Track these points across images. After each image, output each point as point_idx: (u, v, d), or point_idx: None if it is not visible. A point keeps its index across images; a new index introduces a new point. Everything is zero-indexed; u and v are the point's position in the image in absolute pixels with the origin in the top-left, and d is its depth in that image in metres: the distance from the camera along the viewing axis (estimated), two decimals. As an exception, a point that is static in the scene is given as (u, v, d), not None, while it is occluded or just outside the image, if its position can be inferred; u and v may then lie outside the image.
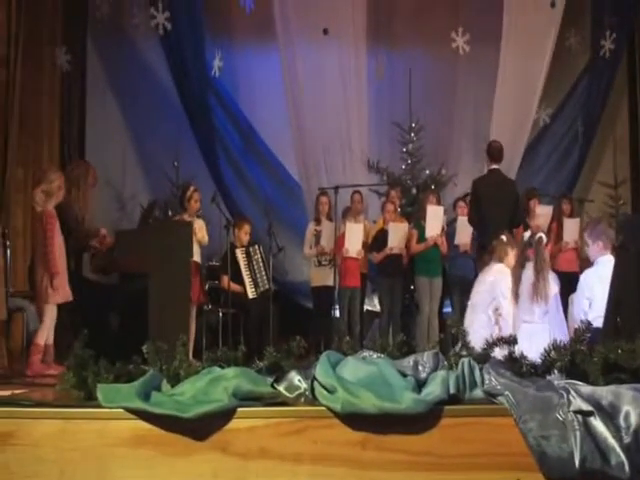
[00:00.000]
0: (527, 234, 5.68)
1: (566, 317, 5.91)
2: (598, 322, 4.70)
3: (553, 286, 5.43)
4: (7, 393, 3.57)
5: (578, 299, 5.59)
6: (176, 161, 9.08)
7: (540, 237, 5.44)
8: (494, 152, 7.29)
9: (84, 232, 6.43)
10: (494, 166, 7.27)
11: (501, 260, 5.89)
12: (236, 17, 9.86)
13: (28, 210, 7.08)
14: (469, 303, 6.04)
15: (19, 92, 7.23)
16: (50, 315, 5.81)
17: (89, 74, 9.56)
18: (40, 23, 8.34)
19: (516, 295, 5.44)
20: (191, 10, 8.99)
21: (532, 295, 5.37)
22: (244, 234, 7.99)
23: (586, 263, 7.27)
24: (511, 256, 5.89)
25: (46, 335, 5.78)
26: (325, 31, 9.16)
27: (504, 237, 5.93)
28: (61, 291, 5.82)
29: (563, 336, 4.83)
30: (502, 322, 5.66)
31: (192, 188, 7.51)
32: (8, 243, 6.62)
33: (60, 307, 6.00)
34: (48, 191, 5.88)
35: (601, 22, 9.76)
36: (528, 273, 5.40)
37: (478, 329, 5.42)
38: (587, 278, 5.62)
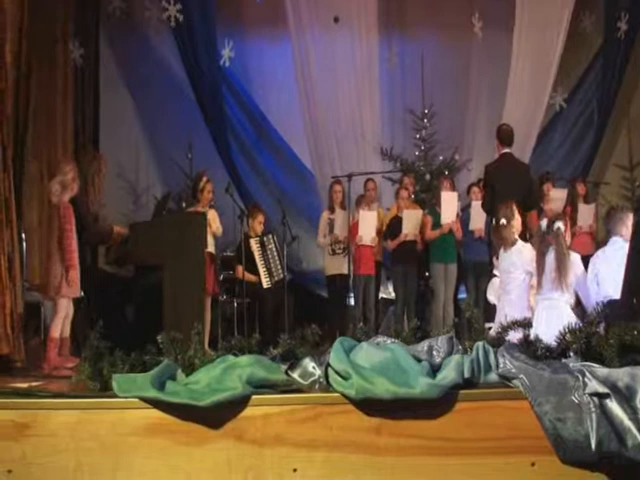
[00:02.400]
0: (544, 223, 5.55)
1: None
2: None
3: (577, 268, 5.36)
4: (25, 385, 3.59)
5: (587, 277, 5.57)
6: (189, 152, 9.08)
7: (558, 228, 5.34)
8: (504, 136, 7.18)
9: (98, 231, 6.43)
10: (506, 150, 7.17)
11: (513, 243, 5.76)
12: (247, 6, 9.85)
13: (43, 204, 7.11)
14: (503, 289, 5.91)
15: (34, 87, 7.26)
16: (64, 308, 5.83)
17: (102, 68, 9.58)
18: (53, 18, 8.35)
19: (539, 285, 5.35)
20: (202, 1, 8.99)
21: (555, 283, 5.29)
22: (258, 224, 8.00)
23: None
24: (517, 225, 5.77)
25: (60, 328, 5.80)
26: (336, 19, 9.12)
27: (504, 220, 5.79)
28: (75, 286, 5.84)
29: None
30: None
31: (205, 179, 7.51)
32: (24, 236, 6.65)
33: (77, 300, 6.03)
34: (63, 182, 5.90)
35: (615, 3, 9.67)
36: (549, 261, 5.32)
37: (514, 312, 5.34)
38: (595, 258, 5.61)
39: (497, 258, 6.02)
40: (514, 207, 5.84)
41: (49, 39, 8.27)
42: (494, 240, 6.01)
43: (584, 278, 5.39)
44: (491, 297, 6.07)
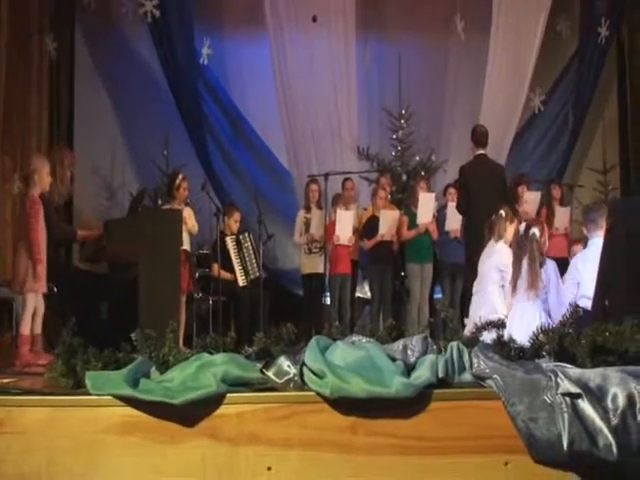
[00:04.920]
0: (522, 227, 5.65)
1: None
2: (585, 302, 4.76)
3: (551, 275, 5.41)
4: (-4, 382, 3.55)
5: (568, 279, 5.63)
6: (165, 149, 9.05)
7: (534, 233, 5.41)
8: (479, 137, 7.23)
9: (61, 231, 6.33)
10: (480, 151, 7.23)
11: (500, 236, 5.89)
12: (225, 4, 9.83)
13: (17, 200, 7.05)
14: (477, 288, 6.01)
15: (5, 81, 7.20)
16: (32, 304, 5.76)
17: (77, 63, 9.52)
18: (27, 12, 8.28)
19: (514, 287, 5.41)
20: (179, -3, 8.96)
21: (527, 288, 5.36)
22: (234, 222, 7.99)
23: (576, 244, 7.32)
24: (510, 231, 5.89)
25: (29, 324, 5.74)
26: (314, 18, 9.11)
27: (503, 212, 5.92)
28: (42, 281, 5.78)
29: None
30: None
31: (180, 176, 7.49)
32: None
33: (51, 296, 5.97)
34: (25, 176, 5.85)
35: (591, 8, 9.77)
36: (524, 265, 5.40)
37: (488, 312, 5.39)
38: (576, 259, 5.69)
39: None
40: (516, 216, 5.99)
41: (24, 33, 8.20)
42: (485, 233, 6.09)
43: (556, 287, 5.43)
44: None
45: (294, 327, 3.32)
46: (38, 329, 5.83)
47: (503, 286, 5.70)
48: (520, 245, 5.47)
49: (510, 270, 5.55)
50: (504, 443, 2.86)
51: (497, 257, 5.81)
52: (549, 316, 5.22)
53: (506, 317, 5.11)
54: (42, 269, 5.76)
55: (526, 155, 9.98)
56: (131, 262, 6.02)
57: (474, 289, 6.05)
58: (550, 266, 5.44)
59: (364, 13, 9.57)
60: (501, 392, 2.87)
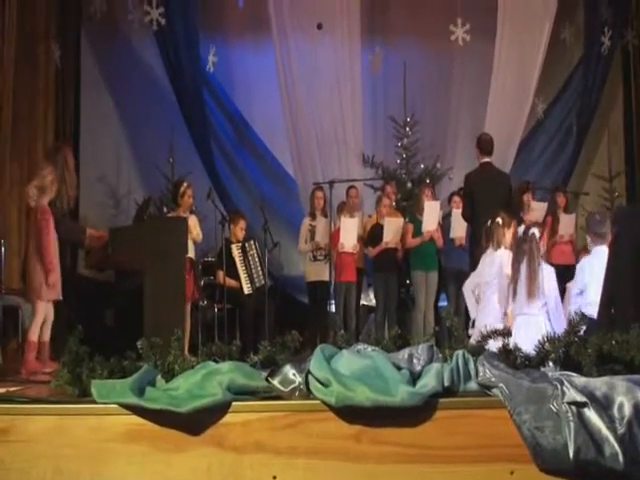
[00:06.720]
0: (521, 229, 5.65)
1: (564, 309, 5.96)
2: (589, 310, 4.75)
3: (549, 281, 5.41)
4: (2, 390, 3.55)
5: (573, 287, 5.64)
6: (171, 157, 9.07)
7: (533, 233, 5.40)
8: (484, 145, 7.23)
9: (70, 227, 6.32)
10: (485, 159, 7.22)
11: (499, 244, 5.89)
12: (230, 12, 9.87)
13: (23, 207, 7.05)
14: (483, 296, 6.02)
15: (12, 89, 7.22)
16: (42, 312, 5.77)
17: (83, 70, 9.56)
18: (34, 19, 8.32)
19: (514, 291, 5.41)
20: (185, 5, 9.00)
21: (528, 291, 5.36)
22: (239, 230, 7.99)
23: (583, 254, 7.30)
24: (508, 237, 5.89)
25: (38, 332, 5.74)
26: (319, 26, 9.14)
27: (500, 219, 5.92)
28: (55, 288, 5.79)
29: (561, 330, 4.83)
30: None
31: (185, 184, 7.51)
32: (2, 241, 6.58)
33: (57, 303, 5.98)
34: (41, 186, 5.85)
35: (595, 15, 9.78)
36: (524, 268, 5.40)
37: (494, 321, 5.38)
38: (581, 266, 5.68)
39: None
40: (513, 220, 5.97)
41: (31, 41, 8.23)
42: (483, 241, 6.10)
43: (555, 293, 5.42)
44: (466, 292, 6.17)
45: (299, 335, 3.32)
46: (46, 337, 5.83)
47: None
48: (519, 246, 5.45)
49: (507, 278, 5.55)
50: (509, 452, 2.85)
51: (499, 264, 5.80)
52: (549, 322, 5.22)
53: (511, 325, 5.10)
54: (55, 277, 5.77)
55: (531, 163, 9.99)
56: (136, 270, 6.02)
57: (469, 294, 6.04)
58: (548, 271, 5.41)
59: (369, 21, 9.60)
60: (507, 401, 2.87)
